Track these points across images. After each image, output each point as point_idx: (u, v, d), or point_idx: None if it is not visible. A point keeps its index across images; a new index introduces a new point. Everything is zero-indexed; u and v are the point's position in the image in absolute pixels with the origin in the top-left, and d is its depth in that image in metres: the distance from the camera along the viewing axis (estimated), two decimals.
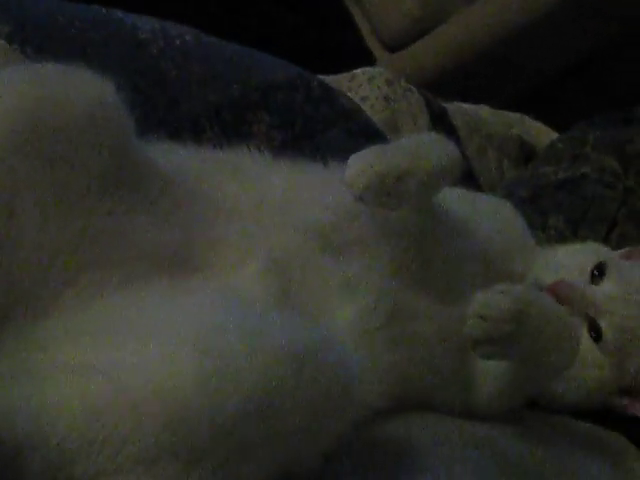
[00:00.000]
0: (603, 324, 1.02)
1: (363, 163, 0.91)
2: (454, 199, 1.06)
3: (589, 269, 1.06)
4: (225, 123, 1.23)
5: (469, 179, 1.60)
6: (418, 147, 0.97)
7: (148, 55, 1.22)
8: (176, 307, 0.78)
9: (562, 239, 1.18)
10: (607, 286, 1.05)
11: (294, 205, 0.96)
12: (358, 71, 1.72)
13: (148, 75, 1.20)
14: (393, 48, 3.10)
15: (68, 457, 0.65)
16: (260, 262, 0.89)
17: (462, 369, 0.98)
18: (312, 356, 0.73)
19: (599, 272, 1.06)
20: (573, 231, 1.35)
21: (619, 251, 1.15)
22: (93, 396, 0.67)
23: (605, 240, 1.31)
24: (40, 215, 0.78)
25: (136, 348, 0.71)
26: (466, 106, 1.88)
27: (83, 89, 0.81)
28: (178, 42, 1.27)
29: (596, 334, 1.02)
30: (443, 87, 2.80)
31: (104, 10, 1.24)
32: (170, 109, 1.19)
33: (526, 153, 1.83)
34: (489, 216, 1.11)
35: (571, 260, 1.08)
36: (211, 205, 0.91)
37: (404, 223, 0.98)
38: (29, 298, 0.77)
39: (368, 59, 3.02)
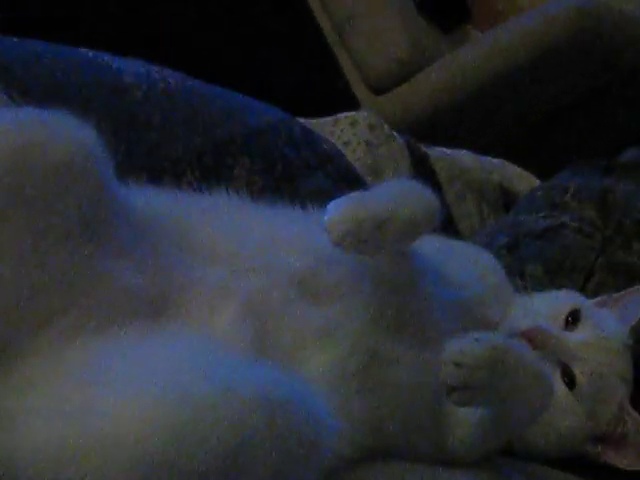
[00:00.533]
0: (577, 370, 1.04)
1: (342, 209, 0.91)
2: (432, 246, 1.07)
3: (564, 316, 1.07)
4: (206, 167, 1.24)
5: (448, 224, 1.61)
6: (397, 195, 0.97)
7: (132, 100, 1.22)
8: (151, 353, 0.78)
9: (540, 287, 1.19)
10: (581, 333, 1.06)
11: (272, 250, 0.96)
12: (341, 115, 1.74)
13: (131, 120, 1.21)
14: (378, 90, 3.14)
15: None
16: (237, 307, 0.89)
17: (437, 415, 0.99)
18: (284, 407, 0.73)
19: (573, 319, 1.08)
20: (551, 279, 1.36)
21: (595, 299, 1.17)
22: (65, 442, 0.67)
23: (582, 289, 1.33)
24: (18, 259, 0.77)
25: (109, 394, 0.71)
26: (447, 151, 1.89)
27: (63, 134, 0.82)
28: (162, 86, 1.27)
29: (569, 380, 1.03)
30: (427, 129, 2.84)
31: (90, 54, 1.25)
32: (152, 153, 1.19)
33: (506, 199, 1.85)
34: (467, 264, 1.12)
35: (547, 307, 1.10)
36: (189, 249, 0.91)
37: (381, 269, 0.99)
38: (5, 341, 0.76)
39: (352, 102, 3.05)
